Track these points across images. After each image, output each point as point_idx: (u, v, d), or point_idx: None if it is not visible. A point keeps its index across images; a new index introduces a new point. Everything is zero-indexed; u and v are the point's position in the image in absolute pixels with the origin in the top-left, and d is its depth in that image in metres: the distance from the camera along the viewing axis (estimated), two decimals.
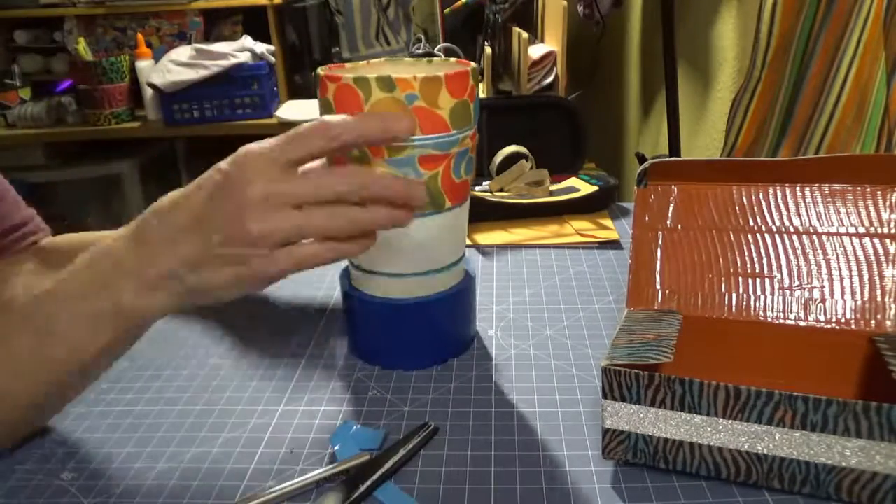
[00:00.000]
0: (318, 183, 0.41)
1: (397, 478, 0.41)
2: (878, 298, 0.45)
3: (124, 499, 0.40)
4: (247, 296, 0.65)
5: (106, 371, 0.48)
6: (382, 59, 0.54)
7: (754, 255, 0.48)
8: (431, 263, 0.51)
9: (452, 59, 0.52)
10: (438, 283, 0.52)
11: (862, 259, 0.46)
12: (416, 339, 0.52)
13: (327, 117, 0.42)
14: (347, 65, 0.52)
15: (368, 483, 0.40)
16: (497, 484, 0.41)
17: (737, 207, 0.49)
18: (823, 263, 0.46)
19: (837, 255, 0.46)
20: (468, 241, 0.76)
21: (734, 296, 0.48)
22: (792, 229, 0.48)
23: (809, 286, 0.46)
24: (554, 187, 0.85)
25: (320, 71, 0.48)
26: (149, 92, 2.11)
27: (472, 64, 0.49)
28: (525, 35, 1.03)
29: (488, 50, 1.09)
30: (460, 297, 0.53)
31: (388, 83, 0.44)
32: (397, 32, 2.20)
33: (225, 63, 2.02)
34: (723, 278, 0.48)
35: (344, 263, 0.56)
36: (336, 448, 0.44)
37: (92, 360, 0.44)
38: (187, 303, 0.43)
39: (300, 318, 0.62)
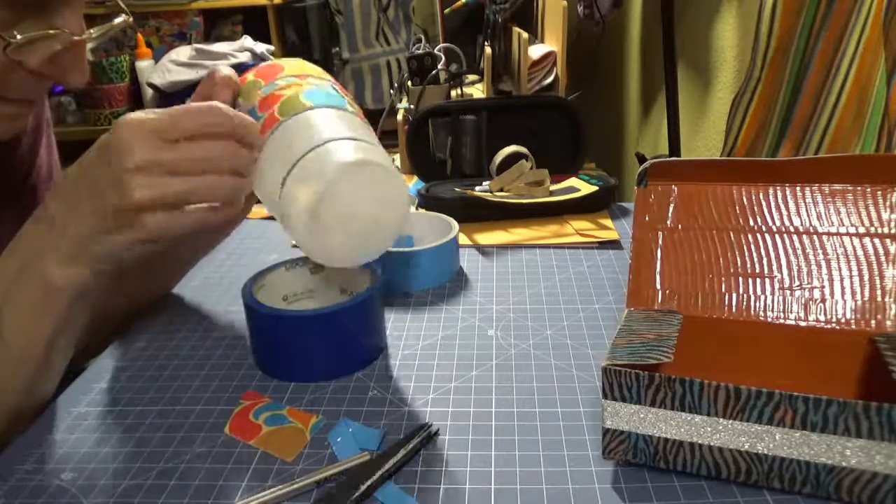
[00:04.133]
0: (192, 153, 0.44)
1: (397, 478, 0.41)
2: (878, 298, 0.45)
3: (124, 499, 0.40)
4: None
5: (68, 356, 0.51)
6: None
7: (754, 255, 0.48)
8: None
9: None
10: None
11: (862, 259, 0.46)
12: (322, 351, 0.51)
13: (215, 104, 0.45)
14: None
15: (368, 483, 0.40)
16: (497, 484, 0.41)
17: (737, 207, 0.49)
18: (823, 263, 0.46)
19: (837, 255, 0.46)
20: (468, 241, 0.76)
21: (734, 296, 0.48)
22: (792, 229, 0.48)
23: (809, 286, 0.46)
24: (554, 187, 0.85)
25: None
26: (149, 92, 2.11)
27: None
28: (525, 35, 1.03)
29: (488, 50, 1.08)
30: (367, 306, 0.52)
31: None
32: (397, 32, 2.20)
33: (225, 63, 2.02)
34: (723, 278, 0.48)
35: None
36: (335, 447, 0.44)
37: (46, 348, 0.47)
38: (106, 267, 0.46)
39: None
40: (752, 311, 0.47)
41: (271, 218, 0.87)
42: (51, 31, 0.44)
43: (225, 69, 0.52)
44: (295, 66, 0.54)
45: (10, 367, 0.46)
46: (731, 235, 0.49)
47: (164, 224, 0.44)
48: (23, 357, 0.46)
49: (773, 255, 0.48)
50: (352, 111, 0.51)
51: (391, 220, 0.48)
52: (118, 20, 0.50)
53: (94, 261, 0.46)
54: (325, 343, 0.51)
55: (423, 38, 1.42)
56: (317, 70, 0.55)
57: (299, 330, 0.51)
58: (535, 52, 1.03)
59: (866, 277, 0.45)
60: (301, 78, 0.52)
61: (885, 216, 0.45)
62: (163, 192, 0.43)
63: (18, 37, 0.43)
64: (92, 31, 0.47)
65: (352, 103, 0.52)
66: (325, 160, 0.44)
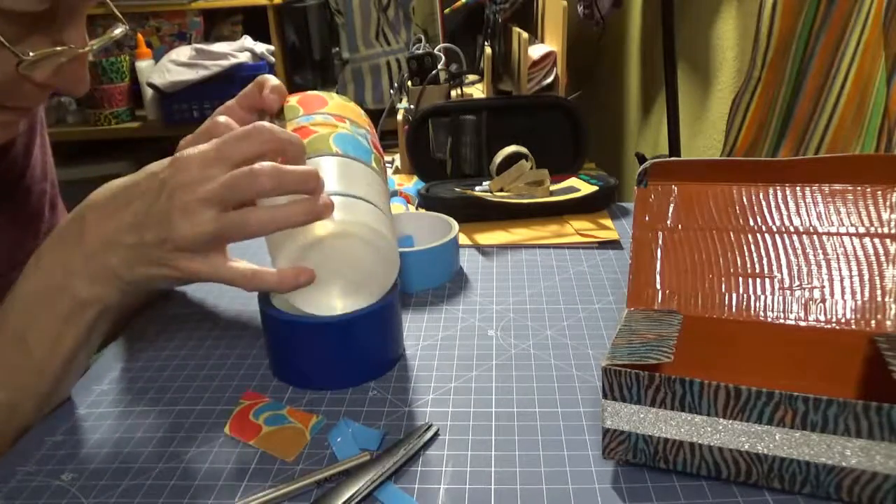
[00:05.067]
0: (241, 185, 0.43)
1: (397, 478, 0.41)
2: (878, 298, 0.45)
3: (124, 499, 0.40)
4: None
5: (85, 366, 0.52)
6: None
7: (754, 255, 0.48)
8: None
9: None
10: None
11: (862, 259, 0.46)
12: (338, 359, 0.50)
13: (264, 123, 0.44)
14: None
15: (368, 483, 0.40)
16: (497, 484, 0.41)
17: (737, 207, 0.49)
18: (823, 263, 0.46)
19: (837, 255, 0.46)
20: (468, 241, 0.76)
21: (734, 296, 0.48)
22: (792, 229, 0.48)
23: (809, 286, 0.46)
24: (554, 187, 0.85)
25: None
26: (149, 92, 2.11)
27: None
28: (525, 35, 1.03)
29: (488, 50, 1.08)
30: (384, 313, 0.51)
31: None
32: (397, 32, 2.20)
33: (225, 63, 2.02)
34: (723, 278, 0.48)
35: None
36: (335, 447, 0.44)
37: (68, 359, 0.47)
38: (131, 289, 0.47)
39: None
40: (752, 311, 0.47)
41: None
42: (58, 49, 0.45)
43: (273, 78, 0.52)
44: (339, 104, 0.54)
45: (32, 375, 0.47)
46: (731, 235, 0.49)
47: (201, 267, 0.45)
48: (44, 367, 0.47)
49: (773, 255, 0.48)
50: (374, 167, 0.51)
51: (372, 280, 0.49)
52: (117, 31, 0.50)
53: (122, 284, 0.46)
54: (338, 351, 0.50)
55: (423, 38, 1.42)
56: (357, 113, 0.55)
57: (314, 337, 0.49)
58: (535, 52, 1.03)
59: (866, 277, 0.45)
60: (339, 119, 0.52)
61: (885, 216, 0.45)
62: (205, 229, 0.43)
63: (31, 54, 0.43)
64: (93, 42, 0.47)
65: (379, 158, 0.53)
66: None
